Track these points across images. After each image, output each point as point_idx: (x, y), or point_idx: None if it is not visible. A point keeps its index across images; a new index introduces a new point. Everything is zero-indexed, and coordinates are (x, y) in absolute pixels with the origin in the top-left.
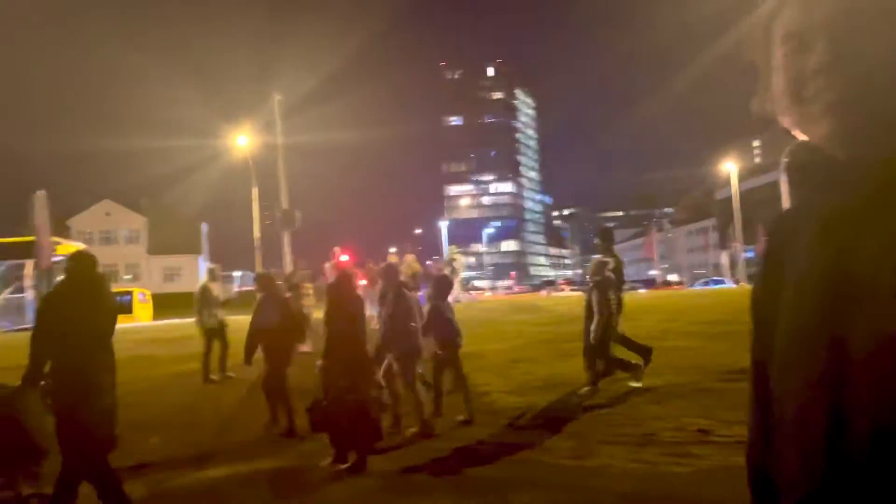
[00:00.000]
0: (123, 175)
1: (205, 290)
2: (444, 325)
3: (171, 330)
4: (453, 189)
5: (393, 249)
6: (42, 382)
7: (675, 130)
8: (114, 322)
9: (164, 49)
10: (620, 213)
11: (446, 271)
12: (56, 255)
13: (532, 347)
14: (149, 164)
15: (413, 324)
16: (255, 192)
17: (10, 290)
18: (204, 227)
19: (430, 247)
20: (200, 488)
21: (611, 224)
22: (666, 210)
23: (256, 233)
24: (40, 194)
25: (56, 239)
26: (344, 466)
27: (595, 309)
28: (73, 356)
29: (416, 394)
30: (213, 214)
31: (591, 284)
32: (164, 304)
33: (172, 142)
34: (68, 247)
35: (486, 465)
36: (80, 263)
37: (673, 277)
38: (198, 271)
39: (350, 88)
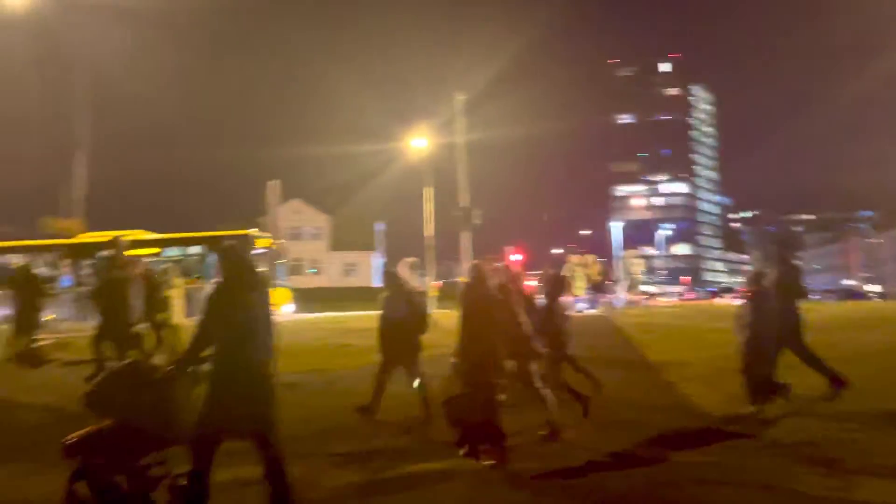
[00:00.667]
0: (311, 178)
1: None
2: (552, 326)
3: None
4: (622, 189)
5: (559, 251)
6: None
7: (874, 126)
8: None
9: (351, 58)
10: (811, 217)
11: (616, 277)
12: (256, 249)
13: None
14: (333, 168)
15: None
16: (428, 191)
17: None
18: (378, 226)
19: (596, 249)
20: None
21: (798, 228)
22: (865, 213)
23: (429, 231)
24: (272, 184)
25: (255, 232)
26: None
27: (747, 323)
28: (233, 342)
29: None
30: (388, 214)
31: (746, 297)
32: (343, 297)
33: (354, 147)
34: (265, 241)
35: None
36: (237, 252)
37: (874, 288)
38: (371, 267)
39: (517, 87)
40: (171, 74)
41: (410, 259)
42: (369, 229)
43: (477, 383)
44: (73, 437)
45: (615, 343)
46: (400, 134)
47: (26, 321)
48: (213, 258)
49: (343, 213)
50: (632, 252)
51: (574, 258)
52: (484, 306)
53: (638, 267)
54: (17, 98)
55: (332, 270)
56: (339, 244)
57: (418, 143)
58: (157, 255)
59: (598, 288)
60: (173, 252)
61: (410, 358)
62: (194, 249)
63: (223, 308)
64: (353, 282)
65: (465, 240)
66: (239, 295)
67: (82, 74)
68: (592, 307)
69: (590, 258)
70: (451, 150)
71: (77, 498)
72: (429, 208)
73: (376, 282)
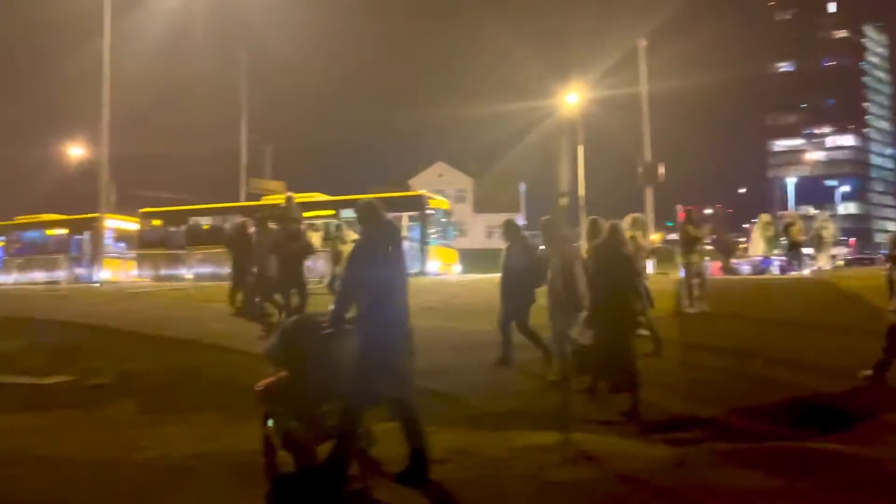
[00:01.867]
0: (456, 139)
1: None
2: None
3: None
4: (780, 144)
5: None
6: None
7: None
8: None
9: (507, 13)
10: None
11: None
12: (429, 209)
13: None
14: (479, 129)
15: None
16: (580, 149)
17: None
18: (522, 187)
19: (755, 207)
20: None
21: None
22: None
23: (582, 191)
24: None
25: (426, 193)
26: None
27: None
28: (377, 298)
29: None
30: (533, 174)
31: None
32: (488, 259)
33: (503, 106)
34: (439, 202)
35: None
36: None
37: None
38: None
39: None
40: (323, 36)
41: (634, 215)
42: (514, 190)
43: (610, 336)
44: (261, 384)
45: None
46: (551, 90)
47: (242, 278)
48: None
49: (488, 174)
50: (823, 213)
51: (764, 217)
52: (620, 260)
53: (829, 229)
54: (198, 67)
55: (475, 233)
56: (482, 206)
57: (570, 98)
58: (332, 216)
59: (796, 247)
60: (349, 214)
61: (525, 309)
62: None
63: (366, 265)
64: (497, 244)
65: (648, 197)
66: (380, 252)
67: (245, 41)
68: (791, 268)
69: (791, 215)
70: (603, 106)
71: (270, 441)
72: (581, 168)
73: None
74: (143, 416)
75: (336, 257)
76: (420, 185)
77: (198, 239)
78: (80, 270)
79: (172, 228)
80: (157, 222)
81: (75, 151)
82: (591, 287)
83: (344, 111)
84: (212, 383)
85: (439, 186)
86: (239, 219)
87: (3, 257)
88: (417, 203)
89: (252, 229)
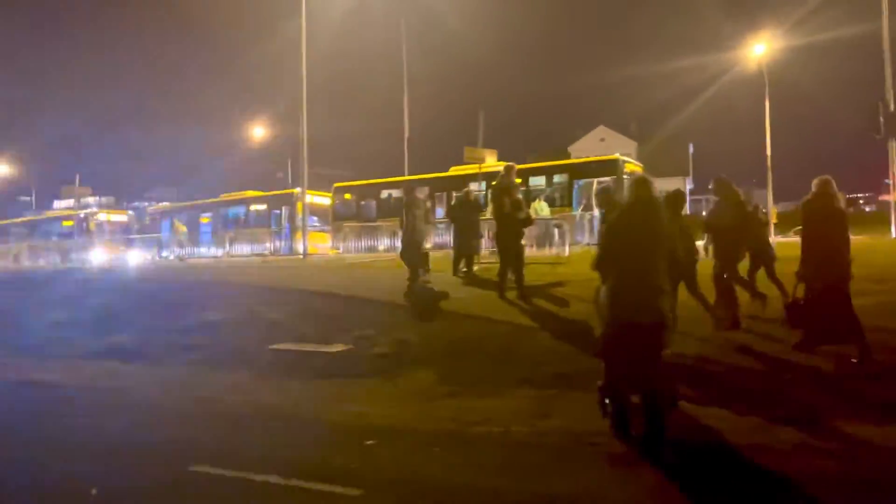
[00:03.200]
0: (616, 102)
1: None
2: None
3: None
4: None
5: None
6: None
7: None
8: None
9: None
10: None
11: None
12: (626, 173)
13: None
14: (642, 90)
15: None
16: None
17: (582, 206)
18: (690, 149)
19: None
20: None
21: None
22: None
23: (768, 150)
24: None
25: (623, 157)
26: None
27: None
28: (633, 270)
29: None
30: (701, 135)
31: None
32: None
33: (669, 64)
34: (633, 166)
35: None
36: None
37: None
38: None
39: None
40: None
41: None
42: (682, 153)
43: (827, 286)
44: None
45: None
46: (731, 43)
47: (467, 245)
48: (580, 185)
49: (653, 137)
50: None
51: None
52: (832, 216)
53: None
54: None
55: None
56: (647, 171)
57: (757, 49)
58: (520, 184)
59: None
60: (537, 181)
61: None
62: (558, 178)
63: (622, 230)
64: None
65: (893, 151)
66: (639, 217)
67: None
68: None
69: None
70: (795, 54)
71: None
72: (767, 125)
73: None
74: (447, 387)
75: None
76: (581, 152)
77: (389, 211)
78: (278, 244)
79: (364, 201)
80: (348, 196)
81: (258, 132)
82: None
83: (498, 79)
84: (493, 353)
85: (601, 152)
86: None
87: (210, 232)
88: (613, 167)
89: (472, 197)
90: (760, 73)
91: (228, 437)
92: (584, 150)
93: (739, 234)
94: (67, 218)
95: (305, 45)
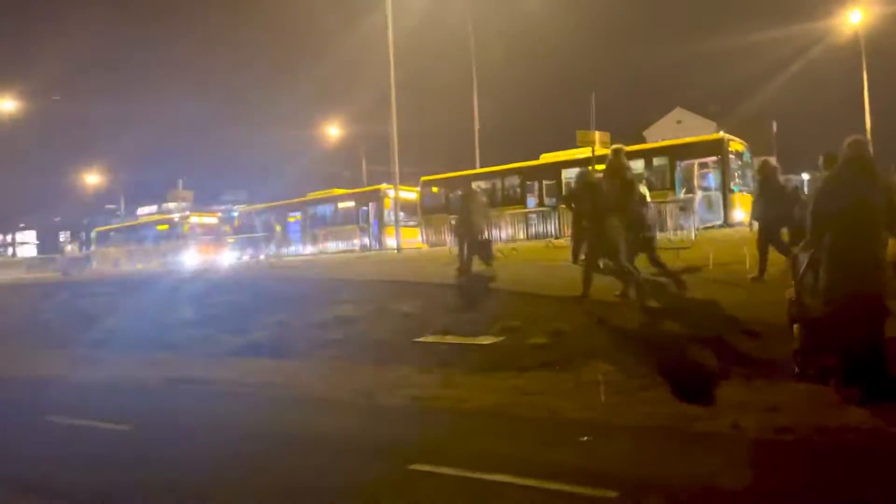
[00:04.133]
0: (692, 82)
1: None
2: None
3: None
4: None
5: None
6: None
7: None
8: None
9: None
10: None
11: None
12: (730, 152)
13: None
14: (719, 67)
15: None
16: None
17: (684, 189)
18: (774, 127)
19: None
20: None
21: None
22: None
23: (868, 124)
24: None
25: (727, 135)
26: None
27: None
28: (851, 232)
29: None
30: (785, 111)
31: None
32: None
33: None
34: (738, 145)
35: None
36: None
37: None
38: None
39: None
40: None
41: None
42: (765, 132)
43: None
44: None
45: None
46: (822, 10)
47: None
48: (682, 168)
49: (732, 116)
50: None
51: None
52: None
53: None
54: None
55: None
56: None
57: (853, 17)
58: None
59: None
60: (635, 165)
61: None
62: (658, 161)
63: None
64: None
65: None
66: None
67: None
68: None
69: None
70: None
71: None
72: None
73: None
74: (637, 380)
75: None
76: (656, 135)
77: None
78: (366, 240)
79: (452, 194)
80: (436, 189)
81: (328, 133)
82: None
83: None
84: (664, 345)
85: (677, 135)
86: (514, 180)
87: (299, 231)
88: (718, 147)
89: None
90: (856, 41)
91: (427, 433)
92: (660, 132)
93: None
94: (162, 222)
95: (392, 41)
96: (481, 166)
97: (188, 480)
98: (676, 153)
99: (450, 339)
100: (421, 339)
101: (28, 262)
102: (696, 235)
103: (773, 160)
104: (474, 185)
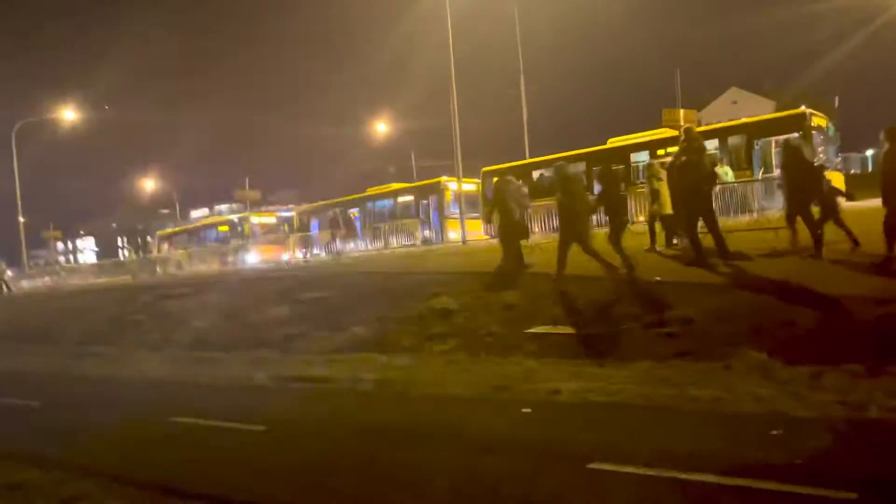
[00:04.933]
0: (746, 59)
1: None
2: None
3: None
4: None
5: None
6: None
7: None
8: None
9: None
10: None
11: None
12: (813, 128)
13: None
14: (775, 41)
15: None
16: None
17: (762, 169)
18: (836, 102)
19: None
20: None
21: None
22: None
23: None
24: None
25: (809, 110)
26: None
27: None
28: None
29: None
30: (847, 85)
31: None
32: None
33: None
34: (821, 120)
35: None
36: None
37: None
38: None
39: None
40: None
41: None
42: (828, 108)
43: None
44: None
45: None
46: None
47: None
48: (760, 146)
49: (790, 93)
50: None
51: None
52: None
53: None
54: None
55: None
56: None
57: None
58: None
59: None
60: (710, 145)
61: None
62: (734, 140)
63: None
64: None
65: None
66: None
67: None
68: None
69: None
70: None
71: None
72: None
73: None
74: (806, 368)
75: (653, 196)
76: (710, 118)
77: (542, 191)
78: (427, 233)
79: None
80: (497, 180)
81: (377, 129)
82: None
83: (614, 46)
84: (814, 329)
85: (733, 115)
86: (579, 167)
87: (360, 226)
88: (800, 122)
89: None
90: None
91: (591, 429)
92: (715, 114)
93: None
94: (223, 223)
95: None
96: (530, 157)
97: (366, 487)
98: (756, 131)
99: (563, 329)
100: (533, 330)
101: (96, 268)
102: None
103: (794, 139)
104: (536, 173)
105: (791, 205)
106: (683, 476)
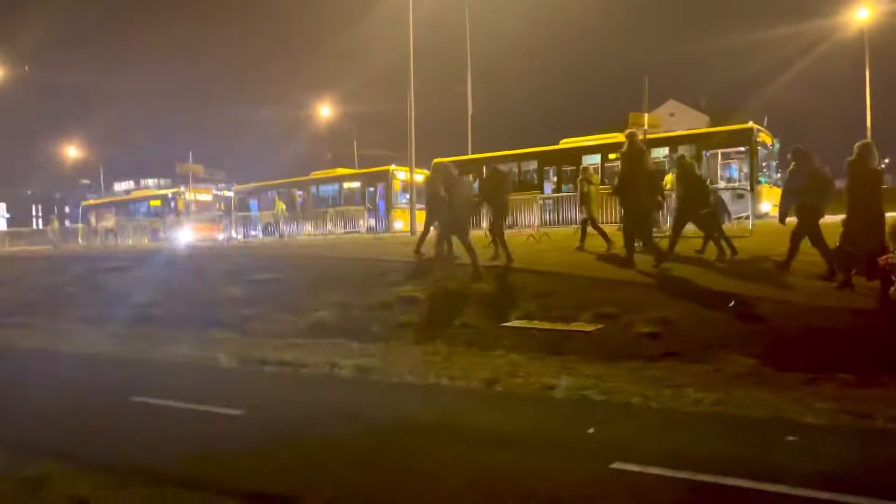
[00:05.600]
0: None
1: None
2: None
3: None
4: None
5: None
6: None
7: None
8: None
9: None
10: None
11: None
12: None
13: None
14: (716, 64)
15: None
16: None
17: (708, 179)
18: (765, 121)
19: None
20: None
21: None
22: None
23: (868, 122)
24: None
25: (756, 125)
26: None
27: None
28: None
29: None
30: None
31: None
32: None
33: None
34: (767, 136)
35: None
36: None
37: None
38: None
39: None
40: None
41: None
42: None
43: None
44: None
45: None
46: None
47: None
48: (708, 157)
49: (725, 112)
50: None
51: None
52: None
53: None
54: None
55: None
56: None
57: (860, 13)
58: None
59: None
60: (658, 154)
61: None
62: (683, 150)
63: None
64: None
65: None
66: None
67: None
68: None
69: None
70: None
71: None
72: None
73: None
74: (799, 374)
75: (582, 198)
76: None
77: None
78: (373, 222)
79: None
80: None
81: (315, 113)
82: None
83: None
84: (799, 336)
85: (671, 126)
86: (531, 165)
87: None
88: (746, 137)
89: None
90: (861, 39)
91: (601, 427)
92: (655, 123)
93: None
94: (155, 197)
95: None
96: (472, 153)
97: (369, 477)
98: (703, 142)
99: (538, 324)
100: (508, 325)
101: (13, 235)
102: (753, 225)
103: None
104: (486, 168)
105: (679, 216)
106: (712, 479)
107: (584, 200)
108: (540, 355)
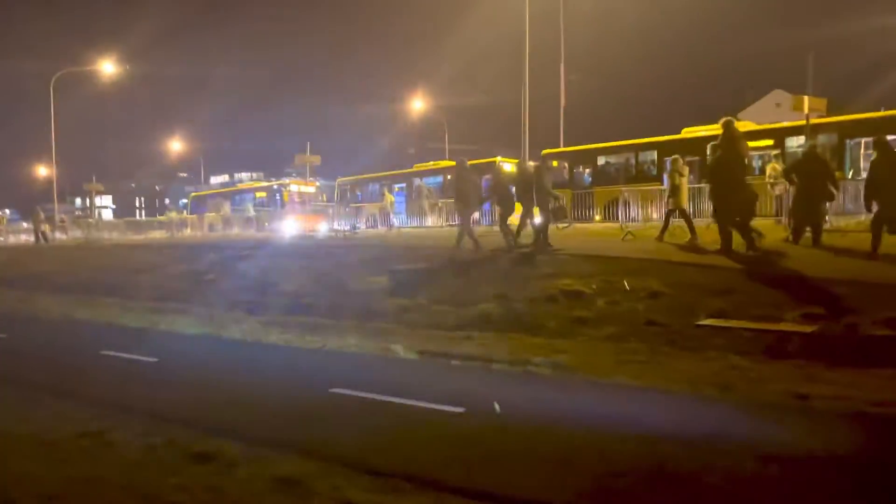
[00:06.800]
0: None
1: None
2: None
3: None
4: None
5: None
6: None
7: None
8: None
9: None
10: None
11: None
12: None
13: None
14: (831, 52)
15: None
16: None
17: (852, 170)
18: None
19: None
20: None
21: None
22: None
23: None
24: None
25: None
26: None
27: None
28: None
29: None
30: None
31: None
32: None
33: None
34: None
35: None
36: None
37: None
38: None
39: None
40: None
41: None
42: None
43: None
44: None
45: None
46: None
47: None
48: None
49: (840, 100)
50: None
51: None
52: None
53: None
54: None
55: None
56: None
57: None
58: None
59: None
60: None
61: None
62: (824, 138)
63: None
64: None
65: None
66: None
67: None
68: None
69: None
70: None
71: None
72: None
73: None
74: None
75: (672, 190)
76: (752, 118)
77: (606, 178)
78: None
79: (577, 169)
80: (556, 164)
81: (402, 108)
82: None
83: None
84: None
85: (777, 118)
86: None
87: (404, 203)
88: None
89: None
90: None
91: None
92: (757, 115)
93: None
94: (261, 189)
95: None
96: (564, 145)
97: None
98: (847, 130)
99: (737, 323)
100: (701, 323)
101: (131, 224)
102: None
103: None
104: (601, 159)
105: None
106: None
107: (674, 192)
108: (761, 358)
